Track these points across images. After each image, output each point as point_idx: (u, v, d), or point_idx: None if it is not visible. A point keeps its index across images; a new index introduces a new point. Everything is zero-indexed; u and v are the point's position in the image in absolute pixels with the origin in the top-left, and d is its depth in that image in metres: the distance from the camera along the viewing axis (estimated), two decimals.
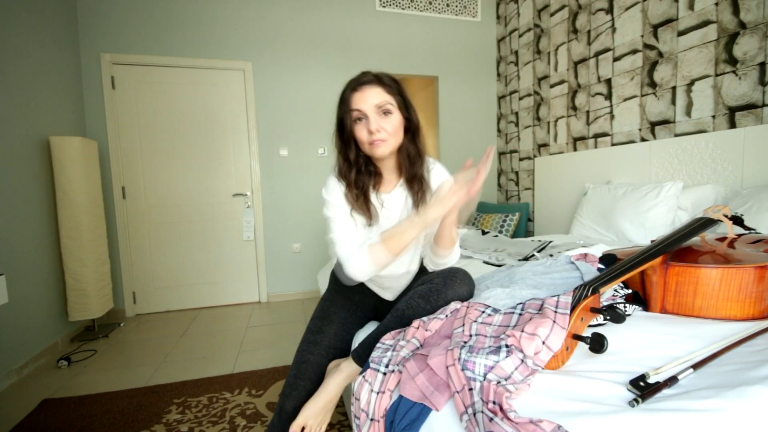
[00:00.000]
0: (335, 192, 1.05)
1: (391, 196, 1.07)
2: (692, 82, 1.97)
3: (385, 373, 0.76)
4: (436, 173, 1.09)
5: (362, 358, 0.91)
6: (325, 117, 3.17)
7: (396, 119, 0.98)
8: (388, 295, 1.18)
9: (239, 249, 3.09)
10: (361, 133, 0.97)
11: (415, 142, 1.03)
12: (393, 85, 1.00)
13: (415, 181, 1.04)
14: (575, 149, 2.78)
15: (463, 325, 0.80)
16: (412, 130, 1.03)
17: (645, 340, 0.79)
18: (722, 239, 1.14)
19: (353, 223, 1.04)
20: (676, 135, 2.07)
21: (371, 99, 0.95)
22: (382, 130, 0.96)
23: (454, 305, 0.91)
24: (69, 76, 2.53)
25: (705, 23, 1.89)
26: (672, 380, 0.62)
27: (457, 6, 3.45)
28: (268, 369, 1.87)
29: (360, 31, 3.24)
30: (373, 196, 1.06)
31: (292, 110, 3.12)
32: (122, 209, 2.81)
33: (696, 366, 0.66)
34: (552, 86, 2.95)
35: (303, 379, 0.98)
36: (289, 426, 0.90)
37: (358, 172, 1.04)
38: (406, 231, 0.94)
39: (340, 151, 1.05)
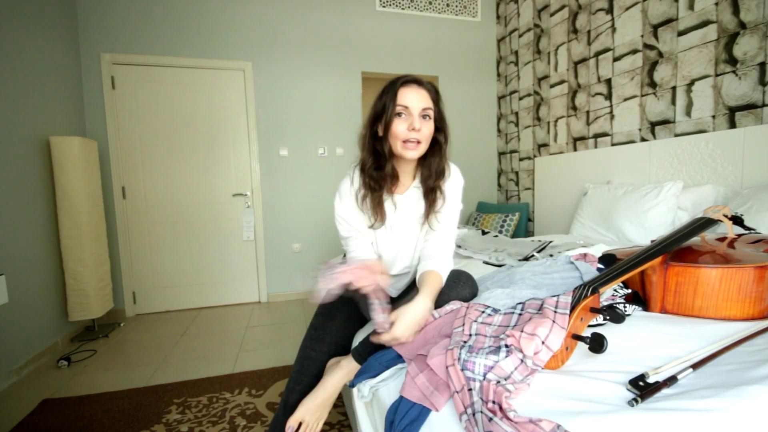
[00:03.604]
0: (345, 197, 1.06)
1: (405, 197, 1.08)
2: (692, 82, 1.97)
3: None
4: (451, 173, 1.08)
5: (362, 357, 0.92)
6: (325, 117, 3.17)
7: (431, 127, 1.00)
8: (393, 292, 1.19)
9: (239, 249, 3.09)
10: (399, 127, 0.97)
11: (441, 155, 1.04)
12: (437, 98, 1.02)
13: (432, 192, 1.05)
14: (575, 149, 2.78)
15: (463, 324, 0.80)
16: (441, 143, 1.04)
17: (645, 340, 0.79)
18: (722, 239, 1.14)
19: (366, 241, 1.08)
20: (676, 135, 2.07)
21: (420, 100, 0.97)
22: (420, 131, 0.97)
23: (451, 306, 0.91)
24: (69, 76, 2.53)
25: (705, 23, 1.89)
26: (671, 380, 0.62)
27: (457, 6, 3.45)
28: (268, 369, 1.87)
29: (360, 31, 3.24)
30: (386, 197, 1.06)
31: (292, 110, 3.12)
32: (122, 209, 2.81)
33: (695, 366, 0.66)
34: (552, 86, 2.95)
35: (306, 374, 1.00)
36: None
37: (377, 168, 1.03)
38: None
39: (367, 146, 1.03)
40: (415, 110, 0.96)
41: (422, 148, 1.00)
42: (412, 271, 1.16)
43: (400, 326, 0.84)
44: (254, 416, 1.48)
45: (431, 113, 0.99)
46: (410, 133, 0.96)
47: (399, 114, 0.97)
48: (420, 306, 0.88)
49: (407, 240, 1.11)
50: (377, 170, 1.03)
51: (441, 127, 1.03)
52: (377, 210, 1.03)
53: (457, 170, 1.11)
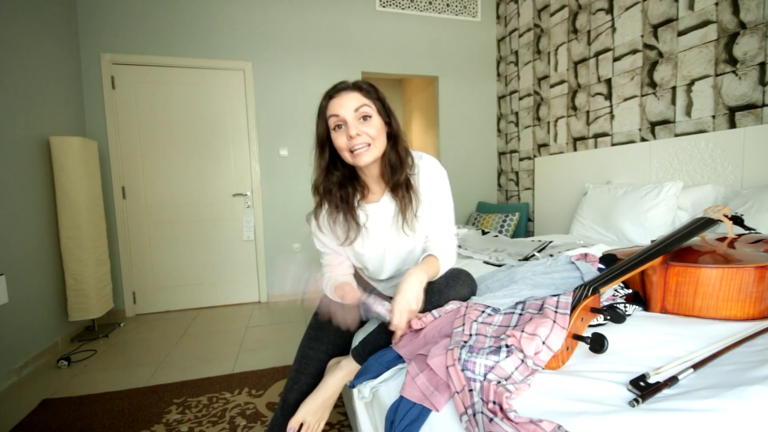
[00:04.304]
0: (320, 218, 1.05)
1: (379, 206, 1.04)
2: (692, 82, 1.97)
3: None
4: (424, 167, 1.03)
5: (362, 357, 0.92)
6: None
7: (377, 123, 0.95)
8: (391, 293, 1.19)
9: (239, 249, 3.09)
10: (340, 140, 0.94)
11: (396, 149, 0.99)
12: (371, 90, 0.97)
13: (399, 189, 1.00)
14: (575, 149, 2.78)
15: (463, 324, 0.80)
16: (393, 136, 1.00)
17: (645, 340, 0.79)
18: (722, 239, 1.14)
19: (340, 255, 1.09)
20: (676, 135, 2.07)
21: (349, 103, 0.93)
22: (363, 134, 0.93)
23: (452, 305, 0.91)
24: (69, 76, 2.53)
25: (705, 23, 1.89)
26: (672, 380, 0.62)
27: (457, 6, 3.45)
28: (268, 369, 1.87)
29: (360, 31, 3.24)
30: (359, 210, 1.04)
31: (292, 110, 3.12)
32: (122, 209, 2.81)
33: (696, 366, 0.66)
34: (552, 86, 2.95)
35: (304, 373, 1.00)
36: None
37: (340, 186, 1.01)
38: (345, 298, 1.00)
39: (318, 165, 1.01)
40: (349, 115, 0.92)
41: (375, 150, 0.94)
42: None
43: (398, 305, 0.85)
44: (254, 416, 1.48)
45: (369, 111, 0.94)
46: (352, 141, 0.92)
47: (336, 127, 0.94)
48: (411, 276, 0.88)
49: (391, 245, 1.08)
50: (341, 188, 1.01)
51: (388, 121, 0.99)
52: (350, 225, 1.01)
53: (431, 162, 1.04)
